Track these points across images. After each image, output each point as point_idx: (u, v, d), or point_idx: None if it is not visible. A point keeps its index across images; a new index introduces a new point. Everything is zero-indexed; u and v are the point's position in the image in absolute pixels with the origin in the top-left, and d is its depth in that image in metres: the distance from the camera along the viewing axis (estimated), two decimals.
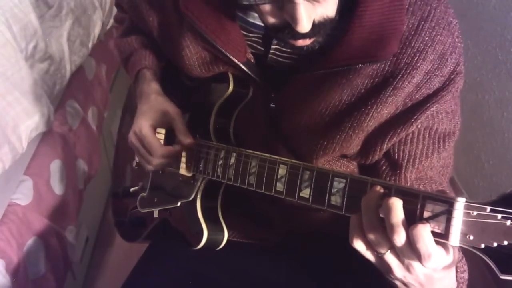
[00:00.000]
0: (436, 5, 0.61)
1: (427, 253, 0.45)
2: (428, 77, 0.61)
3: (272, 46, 0.67)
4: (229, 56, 0.68)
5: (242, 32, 0.68)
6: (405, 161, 0.66)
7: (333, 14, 0.57)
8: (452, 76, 0.62)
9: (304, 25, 0.54)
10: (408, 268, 0.49)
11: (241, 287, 0.79)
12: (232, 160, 0.68)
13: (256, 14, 0.65)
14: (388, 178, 0.68)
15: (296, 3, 0.53)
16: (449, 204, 0.44)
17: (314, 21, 0.56)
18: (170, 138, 0.80)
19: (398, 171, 0.67)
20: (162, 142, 0.83)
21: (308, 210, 0.62)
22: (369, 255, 0.51)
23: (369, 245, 0.51)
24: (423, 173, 0.67)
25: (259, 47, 0.70)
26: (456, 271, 0.61)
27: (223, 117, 0.73)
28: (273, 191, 0.62)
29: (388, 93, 0.61)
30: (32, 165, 1.09)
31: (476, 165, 1.66)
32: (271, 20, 0.58)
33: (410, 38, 0.60)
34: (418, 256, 0.46)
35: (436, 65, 0.61)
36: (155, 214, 0.87)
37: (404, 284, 0.52)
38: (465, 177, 1.74)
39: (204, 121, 0.74)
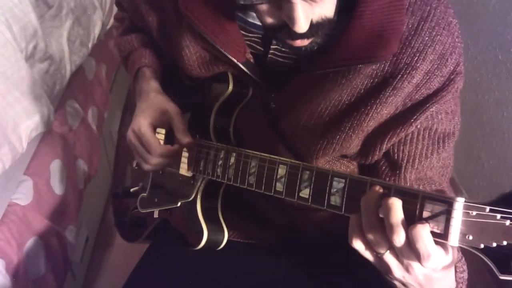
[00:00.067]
0: (436, 5, 0.61)
1: (427, 253, 0.45)
2: (428, 77, 0.61)
3: (272, 46, 0.67)
4: (229, 56, 0.68)
5: (242, 32, 0.68)
6: (405, 161, 0.66)
7: (331, 14, 0.57)
8: (452, 76, 0.62)
9: (302, 25, 0.54)
10: (407, 268, 0.49)
11: (241, 287, 0.79)
12: (232, 160, 0.68)
13: (255, 14, 0.65)
14: (387, 178, 0.68)
15: (293, 3, 0.53)
16: (449, 204, 0.44)
17: (312, 21, 0.56)
18: (170, 138, 0.80)
19: (398, 172, 0.67)
20: (161, 141, 0.83)
21: (308, 210, 0.62)
22: (368, 255, 0.51)
23: (368, 245, 0.51)
24: (422, 174, 0.67)
25: (258, 47, 0.70)
26: (456, 271, 0.61)
27: (223, 117, 0.73)
28: (272, 191, 0.62)
29: (387, 93, 0.61)
30: (32, 165, 1.09)
31: (476, 165, 1.66)
32: (269, 20, 0.58)
33: (410, 38, 0.60)
34: (417, 256, 0.46)
35: (436, 65, 0.61)
36: (156, 214, 0.87)
37: (403, 284, 0.52)
38: (465, 177, 1.74)
39: (204, 121, 0.74)
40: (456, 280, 0.60)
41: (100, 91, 1.62)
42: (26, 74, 1.01)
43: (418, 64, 0.60)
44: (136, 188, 0.92)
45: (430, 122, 0.64)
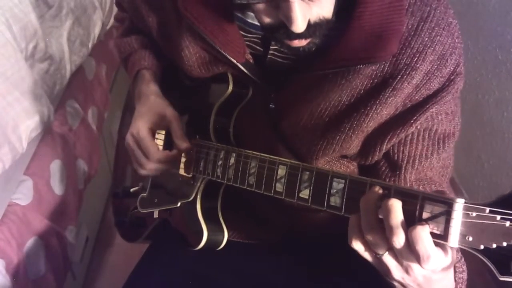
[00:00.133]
0: (436, 6, 0.61)
1: (426, 255, 0.45)
2: (427, 78, 0.61)
3: (271, 47, 0.67)
4: (228, 56, 0.68)
5: (241, 32, 0.68)
6: (405, 162, 0.66)
7: (329, 15, 0.57)
8: (452, 77, 0.62)
9: (299, 25, 0.54)
10: (406, 270, 0.49)
11: (241, 287, 0.79)
12: (232, 160, 0.68)
13: (254, 14, 0.65)
14: (387, 179, 0.68)
15: (290, 2, 0.53)
16: (448, 205, 0.44)
17: (309, 22, 0.56)
18: (169, 142, 0.80)
19: (398, 172, 0.67)
20: (161, 144, 0.83)
21: (307, 210, 0.62)
22: (367, 256, 0.51)
23: (368, 246, 0.51)
24: (422, 174, 0.67)
25: (258, 47, 0.70)
26: (455, 272, 0.61)
27: (223, 117, 0.73)
28: (272, 191, 0.62)
29: (387, 94, 0.61)
30: (32, 165, 1.09)
31: (476, 165, 1.66)
32: (267, 20, 0.58)
33: (410, 39, 0.60)
34: (417, 258, 0.46)
35: (435, 66, 0.61)
36: (155, 215, 0.87)
37: (403, 285, 0.52)
38: (465, 177, 1.74)
39: (204, 122, 0.74)
40: (455, 281, 0.60)
41: (100, 91, 1.61)
42: (26, 74, 1.01)
43: (418, 65, 0.60)
44: (136, 188, 0.92)
45: (430, 122, 0.64)
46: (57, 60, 1.21)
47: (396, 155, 0.66)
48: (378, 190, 0.50)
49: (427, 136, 0.65)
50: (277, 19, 0.57)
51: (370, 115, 0.63)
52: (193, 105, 0.82)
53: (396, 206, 0.47)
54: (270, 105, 0.72)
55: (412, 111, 0.63)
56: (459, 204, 0.44)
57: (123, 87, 1.95)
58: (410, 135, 0.65)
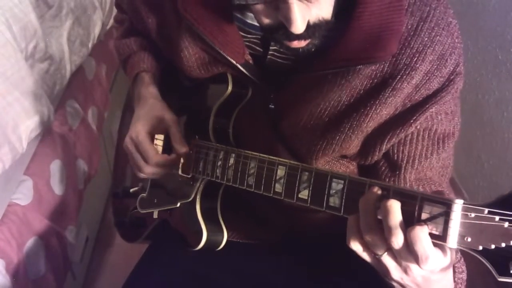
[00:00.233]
0: (436, 6, 0.61)
1: (425, 255, 0.45)
2: (427, 78, 0.61)
3: (271, 47, 0.67)
4: (227, 57, 0.68)
5: (241, 33, 0.68)
6: (404, 162, 0.66)
7: (328, 16, 0.57)
8: (452, 77, 0.62)
9: (298, 26, 0.54)
10: (405, 270, 0.49)
11: (241, 287, 0.80)
12: (231, 161, 0.68)
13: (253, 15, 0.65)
14: (387, 179, 0.68)
15: (289, 3, 0.53)
16: (447, 206, 0.44)
17: (309, 22, 0.56)
18: (168, 145, 0.80)
19: (398, 172, 0.67)
20: (160, 147, 0.83)
21: (307, 210, 0.62)
22: (366, 257, 0.51)
23: (366, 246, 0.51)
24: (422, 174, 0.67)
25: (257, 48, 0.70)
26: (454, 272, 0.61)
27: (222, 118, 0.73)
28: (272, 192, 0.62)
29: (387, 94, 0.61)
30: (32, 165, 1.09)
31: (476, 165, 1.66)
32: (266, 20, 0.59)
33: (409, 39, 0.60)
34: (415, 258, 0.46)
35: (435, 66, 0.61)
36: (155, 215, 0.87)
37: (402, 285, 0.52)
38: (465, 177, 1.74)
39: (204, 122, 0.74)
40: (455, 281, 0.60)
41: (100, 91, 1.62)
42: (26, 74, 1.01)
43: (418, 65, 0.60)
44: (136, 188, 0.92)
45: (429, 122, 0.64)
46: (57, 60, 1.22)
47: (395, 155, 0.66)
48: (377, 190, 0.50)
49: (426, 136, 0.65)
50: (276, 20, 0.57)
51: (369, 115, 0.63)
52: (192, 106, 0.82)
53: (394, 207, 0.47)
54: (270, 106, 0.72)
55: (411, 111, 0.62)
56: (458, 205, 0.44)
57: (123, 87, 1.95)
58: (410, 135, 0.65)
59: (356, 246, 0.51)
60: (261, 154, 0.64)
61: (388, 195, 0.49)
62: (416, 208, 0.47)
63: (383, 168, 0.68)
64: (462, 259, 0.65)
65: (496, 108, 1.53)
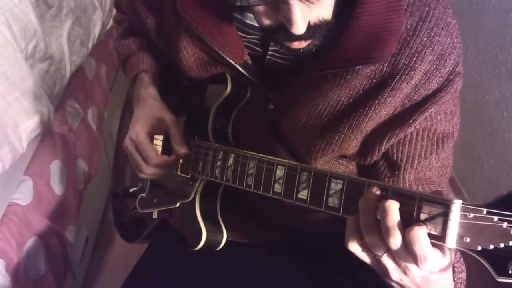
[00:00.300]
0: (435, 6, 0.61)
1: (423, 256, 0.45)
2: (426, 78, 0.61)
3: (270, 48, 0.67)
4: (226, 58, 0.68)
5: (240, 33, 0.68)
6: (404, 162, 0.66)
7: (329, 16, 0.57)
8: (451, 77, 0.62)
9: (299, 27, 0.54)
10: (404, 271, 0.49)
11: (241, 287, 0.80)
12: (231, 161, 0.68)
13: (253, 16, 0.65)
14: (386, 179, 0.68)
15: (290, 4, 0.53)
16: (446, 206, 0.44)
17: (309, 23, 0.56)
18: (167, 145, 0.80)
19: (397, 172, 0.67)
20: (159, 148, 0.83)
21: (306, 211, 0.62)
22: (365, 257, 0.51)
23: (365, 247, 0.51)
24: (421, 174, 0.67)
25: (257, 48, 0.70)
26: (454, 272, 0.61)
27: (222, 118, 0.73)
28: (271, 192, 0.62)
29: (386, 94, 0.61)
30: (32, 165, 1.09)
31: (476, 165, 1.66)
32: (266, 21, 0.58)
33: (409, 39, 0.60)
34: (414, 259, 0.46)
35: (434, 66, 0.60)
36: (155, 215, 0.87)
37: (401, 286, 0.52)
38: (465, 177, 1.74)
39: (203, 122, 0.74)
40: (454, 281, 0.60)
41: (100, 91, 1.62)
42: (26, 74, 1.01)
43: (417, 65, 0.60)
44: (135, 188, 0.92)
45: (429, 122, 0.64)
46: (57, 60, 1.22)
47: (395, 155, 0.66)
48: (376, 191, 0.50)
49: (426, 136, 0.65)
50: (277, 21, 0.57)
51: (369, 115, 0.63)
52: (191, 106, 0.82)
53: (393, 208, 0.47)
54: (269, 106, 0.72)
55: (411, 111, 0.62)
56: (457, 205, 0.44)
57: (123, 87, 1.94)
58: (409, 135, 0.65)
59: (354, 247, 0.51)
60: (260, 154, 0.64)
61: (387, 195, 0.49)
62: (415, 209, 0.47)
63: (383, 168, 0.68)
64: (462, 259, 0.65)
65: (496, 108, 1.53)
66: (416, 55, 0.60)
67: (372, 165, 0.70)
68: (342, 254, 0.61)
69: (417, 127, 0.64)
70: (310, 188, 0.57)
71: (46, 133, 1.16)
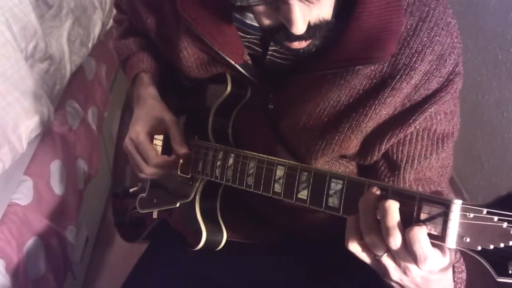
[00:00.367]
0: (435, 6, 0.61)
1: (423, 256, 0.45)
2: (426, 78, 0.61)
3: (270, 48, 0.67)
4: (226, 58, 0.68)
5: (240, 33, 0.68)
6: (404, 162, 0.66)
7: (329, 16, 0.57)
8: (451, 77, 0.62)
9: (299, 27, 0.54)
10: (404, 271, 0.49)
11: (241, 287, 0.80)
12: (231, 161, 0.68)
13: (253, 16, 0.65)
14: (386, 179, 0.68)
15: (290, 4, 0.53)
16: (446, 206, 0.44)
17: (309, 23, 0.56)
18: (167, 145, 0.80)
19: (397, 172, 0.67)
20: (159, 148, 0.83)
21: (306, 210, 0.62)
22: (365, 257, 0.51)
23: (365, 247, 0.51)
24: (421, 174, 0.67)
25: (257, 48, 0.70)
26: (454, 272, 0.61)
27: (222, 118, 0.73)
28: (271, 192, 0.62)
29: (386, 94, 0.61)
30: (32, 165, 1.09)
31: (476, 165, 1.66)
32: (266, 21, 0.58)
33: (409, 39, 0.60)
34: (414, 259, 0.46)
35: (434, 66, 0.60)
36: (155, 215, 0.87)
37: (401, 286, 0.52)
38: (465, 177, 1.74)
39: (203, 122, 0.74)
40: (454, 281, 0.60)
41: (100, 91, 1.62)
42: (26, 74, 1.01)
43: (417, 65, 0.60)
44: (135, 188, 0.92)
45: (429, 122, 0.64)
46: (57, 60, 1.22)
47: (395, 155, 0.66)
48: (376, 191, 0.50)
49: (426, 136, 0.65)
50: (277, 21, 0.57)
51: (369, 115, 0.63)
52: (192, 106, 0.82)
53: (392, 208, 0.47)
54: (269, 106, 0.72)
55: (411, 111, 0.62)
56: (457, 205, 0.44)
57: (123, 87, 1.95)
58: (409, 135, 0.65)
59: (355, 247, 0.51)
60: (260, 154, 0.64)
61: (386, 195, 0.49)
62: (415, 209, 0.47)
63: (383, 168, 0.68)
64: (462, 259, 0.65)
65: (496, 108, 1.53)
66: (416, 55, 0.60)
67: (372, 165, 0.70)
68: (342, 254, 0.61)
69: (417, 127, 0.64)
70: (310, 188, 0.57)
71: (46, 133, 1.16)
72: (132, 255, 0.89)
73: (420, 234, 0.45)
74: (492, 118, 1.55)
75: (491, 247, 0.42)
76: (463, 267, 0.64)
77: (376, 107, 0.62)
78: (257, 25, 0.63)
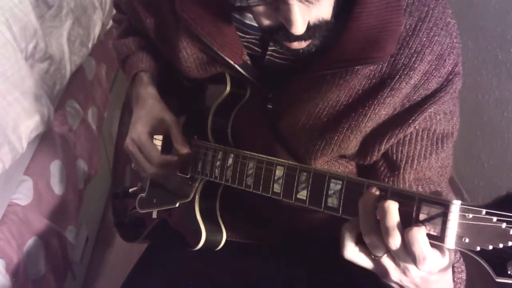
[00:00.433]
0: (434, 6, 0.61)
1: (422, 256, 0.45)
2: (425, 78, 0.61)
3: (269, 48, 0.67)
4: (225, 58, 0.68)
5: (239, 33, 0.68)
6: (403, 162, 0.66)
7: (328, 16, 0.57)
8: (450, 77, 0.62)
9: (299, 27, 0.54)
10: (404, 271, 0.49)
11: (241, 287, 0.80)
12: (230, 161, 0.68)
13: (252, 16, 0.65)
14: (386, 179, 0.68)
15: (290, 5, 0.53)
16: (445, 207, 0.44)
17: (309, 23, 0.56)
18: (167, 145, 0.80)
19: (397, 172, 0.67)
20: (159, 147, 0.83)
21: (306, 211, 0.62)
22: (363, 261, 0.51)
23: (363, 251, 0.51)
24: (421, 174, 0.67)
25: (256, 48, 0.70)
26: (453, 272, 0.61)
27: (221, 118, 0.73)
28: (270, 192, 0.62)
29: (385, 94, 0.61)
30: (32, 165, 1.09)
31: (476, 165, 1.66)
32: (266, 22, 0.58)
33: (408, 39, 0.60)
34: (413, 259, 0.46)
35: (433, 66, 0.60)
36: (154, 215, 0.87)
37: (401, 286, 0.52)
38: (465, 177, 1.74)
39: (202, 122, 0.74)
40: (454, 281, 0.60)
41: (100, 91, 1.62)
42: (26, 74, 1.01)
43: (416, 65, 0.60)
44: (135, 188, 0.92)
45: (428, 122, 0.64)
46: (57, 60, 1.22)
47: (394, 155, 0.66)
48: (375, 191, 0.50)
49: (425, 136, 0.65)
50: (276, 21, 0.57)
51: (368, 115, 0.63)
52: (191, 106, 0.82)
53: (392, 208, 0.47)
54: (268, 106, 0.72)
55: (410, 111, 0.62)
56: (456, 206, 0.44)
57: (123, 87, 1.94)
58: (409, 135, 0.65)
59: (351, 253, 0.51)
60: (260, 154, 0.64)
61: (386, 196, 0.49)
62: (414, 209, 0.47)
63: (382, 168, 0.68)
64: (461, 259, 0.65)
65: (496, 108, 1.53)
66: (416, 55, 0.59)
67: (372, 165, 0.70)
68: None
69: (417, 127, 0.64)
70: (309, 188, 0.57)
71: (46, 133, 1.16)
72: (132, 255, 0.89)
73: (419, 235, 0.45)
74: (492, 118, 1.55)
75: (490, 247, 0.42)
76: (463, 267, 0.64)
77: (376, 107, 0.62)
78: (256, 25, 0.62)
